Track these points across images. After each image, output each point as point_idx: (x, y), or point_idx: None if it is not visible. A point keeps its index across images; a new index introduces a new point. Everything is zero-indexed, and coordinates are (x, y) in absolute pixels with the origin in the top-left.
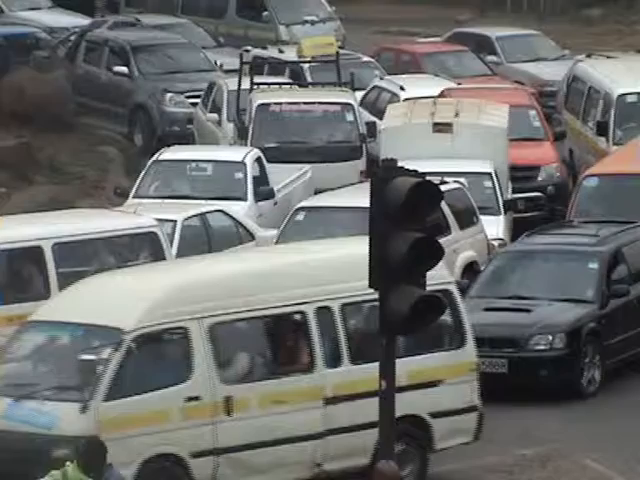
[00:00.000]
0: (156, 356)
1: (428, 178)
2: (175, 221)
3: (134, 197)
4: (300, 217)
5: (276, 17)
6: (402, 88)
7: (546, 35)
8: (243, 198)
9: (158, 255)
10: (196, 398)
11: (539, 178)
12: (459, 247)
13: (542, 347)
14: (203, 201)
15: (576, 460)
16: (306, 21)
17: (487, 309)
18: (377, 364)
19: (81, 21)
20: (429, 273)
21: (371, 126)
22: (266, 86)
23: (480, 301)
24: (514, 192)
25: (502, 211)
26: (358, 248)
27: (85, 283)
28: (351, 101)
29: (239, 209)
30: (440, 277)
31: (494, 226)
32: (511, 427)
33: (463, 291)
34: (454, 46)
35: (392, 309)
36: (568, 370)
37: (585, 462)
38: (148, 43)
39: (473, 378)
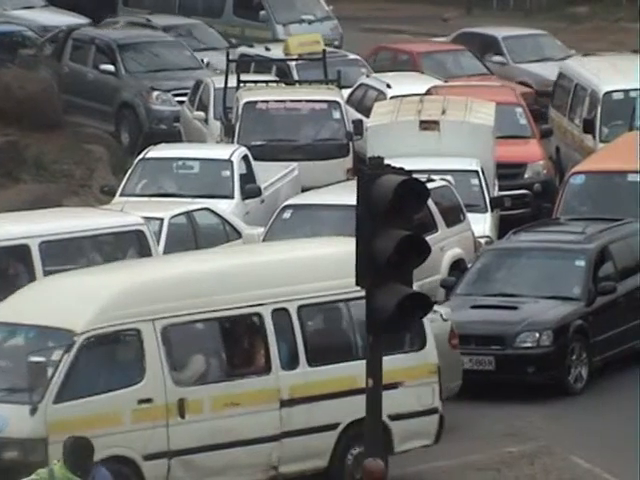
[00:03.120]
0: (108, 358)
1: (415, 176)
2: (162, 219)
3: (121, 195)
4: (287, 215)
5: (273, 16)
6: (389, 86)
7: None
8: (230, 196)
9: (145, 253)
10: (148, 400)
11: (526, 175)
12: (446, 245)
13: (529, 344)
14: (190, 199)
15: (563, 457)
16: (303, 20)
17: (474, 307)
18: (335, 366)
19: (75, 20)
20: None
21: (358, 124)
22: (253, 84)
23: (467, 299)
24: (501, 190)
25: (489, 209)
26: (317, 250)
27: (39, 284)
28: (338, 99)
29: (226, 207)
30: None
31: (481, 224)
32: (498, 424)
33: (450, 289)
34: (452, 45)
35: (378, 307)
36: (555, 367)
37: (572, 459)
38: (134, 41)
39: (434, 380)
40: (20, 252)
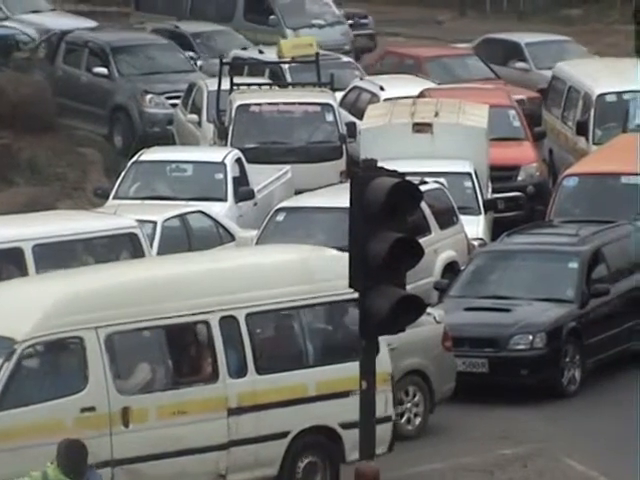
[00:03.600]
0: (50, 366)
1: (408, 178)
2: (155, 222)
3: (114, 198)
4: (280, 217)
5: (283, 21)
6: (382, 88)
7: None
8: (223, 199)
9: (138, 256)
10: (91, 409)
11: (519, 178)
12: (439, 247)
13: (522, 347)
14: (183, 202)
15: (557, 459)
16: (313, 25)
17: (467, 309)
18: (284, 374)
19: (82, 24)
20: (340, 282)
21: (351, 126)
22: (246, 87)
23: (460, 301)
24: (494, 192)
25: (482, 211)
26: (270, 257)
27: None
28: (331, 101)
29: (219, 210)
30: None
31: (474, 226)
32: (492, 427)
33: (443, 291)
34: (458, 50)
35: (372, 309)
36: (548, 370)
37: (566, 461)
38: (128, 44)
39: (387, 388)
40: (13, 255)
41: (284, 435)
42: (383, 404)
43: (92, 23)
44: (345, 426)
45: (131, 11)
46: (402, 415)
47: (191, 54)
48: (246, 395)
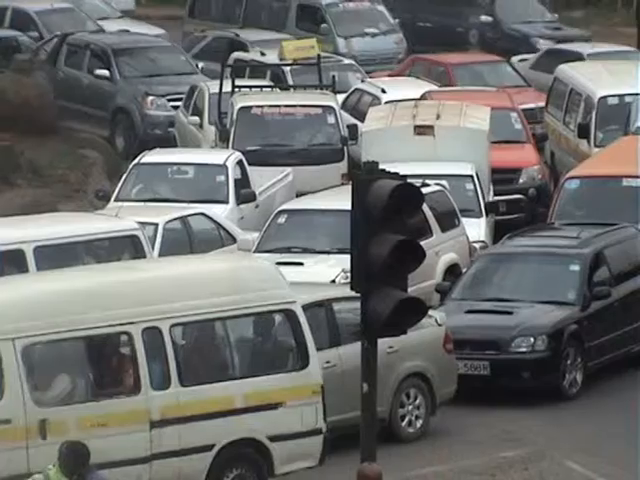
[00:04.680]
0: None
1: (409, 181)
2: (157, 224)
3: (116, 200)
4: (281, 220)
5: (334, 29)
6: (383, 91)
7: None
8: (225, 201)
9: (140, 258)
10: (6, 421)
11: (520, 180)
12: (441, 249)
13: (524, 349)
14: (185, 204)
15: (558, 462)
16: (366, 34)
17: (469, 311)
18: (210, 386)
19: (150, 31)
20: (270, 292)
21: (352, 129)
22: (247, 89)
23: (462, 303)
24: (495, 194)
25: (484, 213)
26: (197, 267)
27: None
28: (332, 104)
29: (221, 212)
30: (282, 297)
31: (476, 228)
32: (493, 429)
33: (444, 293)
34: (487, 56)
35: (373, 311)
36: (550, 372)
37: (567, 464)
38: (129, 46)
39: (317, 400)
40: (15, 257)
41: (209, 448)
42: (314, 416)
43: (160, 31)
44: (274, 439)
45: (184, 18)
46: (403, 418)
47: None
48: (169, 407)
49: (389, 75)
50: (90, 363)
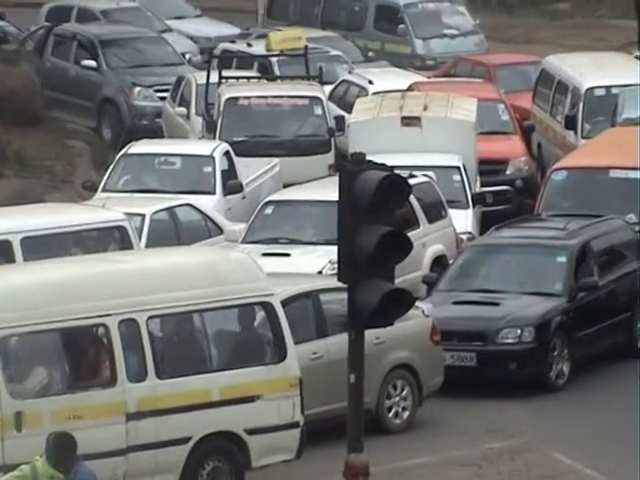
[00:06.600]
0: None
1: (396, 172)
2: (144, 215)
3: (103, 191)
4: (268, 211)
5: (412, 31)
6: (370, 82)
7: (514, 28)
8: (211, 192)
9: (127, 249)
10: None
11: (507, 172)
12: (428, 241)
13: (511, 340)
14: (172, 195)
15: (545, 453)
16: (445, 35)
17: (456, 302)
18: (187, 379)
19: (226, 31)
20: (247, 285)
21: (339, 120)
22: (234, 80)
23: (449, 295)
24: (482, 186)
25: (471, 205)
26: (173, 259)
27: None
28: (319, 95)
29: (207, 203)
30: (259, 289)
31: (463, 220)
32: (480, 420)
33: (431, 284)
34: (528, 57)
35: (360, 303)
36: (537, 363)
37: (554, 455)
38: (116, 37)
39: (294, 393)
40: (1, 248)
41: (186, 441)
42: (291, 409)
43: (236, 30)
44: (251, 432)
45: (264, 19)
46: (390, 409)
47: None
48: (146, 400)
49: (435, 76)
50: (66, 355)
